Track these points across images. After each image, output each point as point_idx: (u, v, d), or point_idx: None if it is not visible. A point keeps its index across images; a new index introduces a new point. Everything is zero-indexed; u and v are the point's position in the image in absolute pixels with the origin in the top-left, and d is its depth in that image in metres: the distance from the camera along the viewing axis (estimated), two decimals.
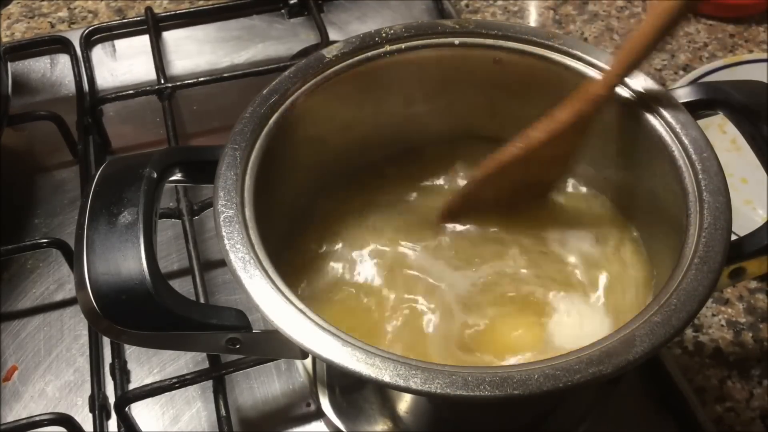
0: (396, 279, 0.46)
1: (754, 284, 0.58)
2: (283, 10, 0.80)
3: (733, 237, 0.37)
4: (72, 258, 0.49)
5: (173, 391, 0.50)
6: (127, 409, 0.49)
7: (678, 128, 0.41)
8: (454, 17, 0.77)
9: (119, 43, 0.77)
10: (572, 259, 0.47)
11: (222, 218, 0.38)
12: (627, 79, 0.44)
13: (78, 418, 0.48)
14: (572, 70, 0.45)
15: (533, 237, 0.48)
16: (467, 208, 0.48)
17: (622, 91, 0.44)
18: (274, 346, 0.38)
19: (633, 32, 0.41)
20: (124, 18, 0.80)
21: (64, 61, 0.75)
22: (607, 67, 0.43)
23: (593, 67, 0.45)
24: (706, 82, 0.63)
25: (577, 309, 0.45)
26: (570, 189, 0.50)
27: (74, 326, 0.56)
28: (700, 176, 0.39)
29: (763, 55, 0.70)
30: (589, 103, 0.43)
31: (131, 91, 0.69)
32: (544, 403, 0.43)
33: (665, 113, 0.42)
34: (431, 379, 0.32)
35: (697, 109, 0.43)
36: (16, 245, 0.56)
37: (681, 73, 0.73)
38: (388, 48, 0.46)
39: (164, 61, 0.73)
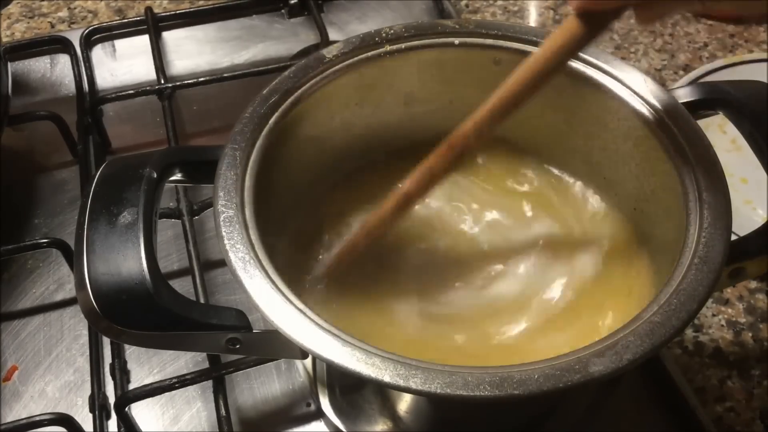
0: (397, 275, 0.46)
1: (754, 284, 0.58)
2: (283, 10, 0.80)
3: (733, 237, 0.37)
4: (72, 258, 0.49)
5: (173, 391, 0.50)
6: (127, 409, 0.49)
7: (678, 128, 0.41)
8: (454, 17, 0.77)
9: (119, 43, 0.77)
10: (569, 257, 0.47)
11: (222, 218, 0.38)
12: (626, 80, 0.44)
13: (78, 418, 0.48)
14: (572, 69, 0.45)
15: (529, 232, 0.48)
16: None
17: (622, 92, 0.44)
18: (274, 346, 0.38)
19: (512, 74, 0.39)
20: (124, 18, 0.80)
21: (64, 61, 0.75)
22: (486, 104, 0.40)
23: (593, 66, 0.45)
24: (706, 82, 0.63)
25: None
26: (569, 189, 0.50)
27: (74, 326, 0.56)
28: (700, 176, 0.39)
29: (763, 55, 0.70)
30: (460, 144, 0.41)
31: (131, 91, 0.69)
32: (544, 403, 0.43)
33: (665, 113, 0.42)
34: (431, 379, 0.32)
35: (697, 109, 0.43)
36: (16, 245, 0.56)
37: (681, 73, 0.73)
38: (388, 48, 0.46)
39: (164, 61, 0.73)
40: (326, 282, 0.45)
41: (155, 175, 0.39)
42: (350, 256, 0.45)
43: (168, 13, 0.78)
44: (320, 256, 0.47)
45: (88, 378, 0.52)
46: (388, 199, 0.43)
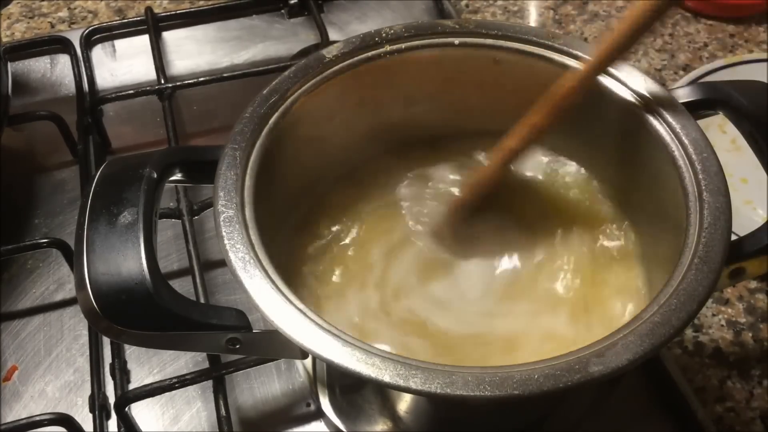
0: (399, 274, 0.46)
1: (754, 284, 0.58)
2: (283, 10, 0.80)
3: (733, 237, 0.37)
4: (72, 258, 0.49)
5: (173, 391, 0.50)
6: (127, 409, 0.49)
7: (678, 128, 0.41)
8: (454, 17, 0.77)
9: (119, 43, 0.77)
10: (568, 257, 0.47)
11: (222, 218, 0.38)
12: (627, 80, 0.44)
13: (78, 418, 0.48)
14: (572, 70, 0.45)
15: (528, 234, 0.48)
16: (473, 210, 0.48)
17: (622, 92, 0.44)
18: (274, 346, 0.38)
19: (613, 27, 0.41)
20: (124, 18, 0.80)
21: (64, 61, 0.75)
22: (588, 58, 0.43)
23: None
24: (706, 82, 0.63)
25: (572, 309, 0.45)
26: (569, 189, 0.50)
27: (74, 326, 0.56)
28: (700, 176, 0.39)
29: (763, 55, 0.70)
30: (564, 98, 0.43)
31: (131, 91, 0.69)
32: (545, 402, 0.43)
33: (665, 113, 0.42)
34: (431, 379, 0.32)
35: (697, 109, 0.43)
36: (16, 245, 0.56)
37: (681, 73, 0.73)
38: (388, 48, 0.46)
39: (164, 61, 0.73)
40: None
41: (155, 175, 0.39)
42: (461, 213, 0.47)
43: (168, 13, 0.78)
44: (317, 261, 0.47)
45: (88, 378, 0.52)
46: (494, 155, 0.45)
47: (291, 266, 0.46)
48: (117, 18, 0.81)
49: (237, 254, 0.36)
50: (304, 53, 0.72)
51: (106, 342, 0.54)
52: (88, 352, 0.54)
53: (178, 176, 0.42)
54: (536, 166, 0.51)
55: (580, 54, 0.45)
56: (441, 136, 0.52)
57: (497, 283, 0.46)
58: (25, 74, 0.74)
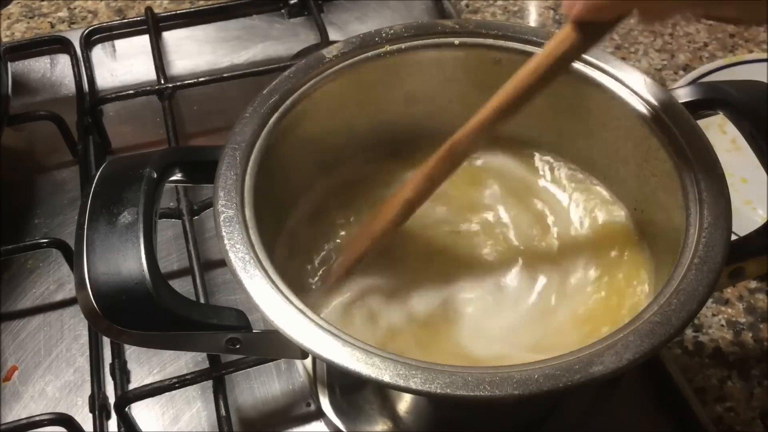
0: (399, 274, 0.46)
1: (754, 284, 0.58)
2: (283, 10, 0.80)
3: (733, 237, 0.37)
4: (72, 258, 0.49)
5: (173, 391, 0.50)
6: (127, 409, 0.49)
7: (678, 128, 0.41)
8: (454, 17, 0.77)
9: (119, 43, 0.77)
10: (568, 257, 0.47)
11: (222, 218, 0.38)
12: (626, 80, 0.44)
13: (78, 418, 0.48)
14: (572, 69, 0.45)
15: (529, 240, 0.48)
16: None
17: (622, 92, 0.44)
18: (274, 346, 0.38)
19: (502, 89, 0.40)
20: (124, 18, 0.80)
21: (64, 61, 0.75)
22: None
23: (593, 67, 0.45)
24: (706, 82, 0.63)
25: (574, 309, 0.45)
26: (569, 189, 0.50)
27: (74, 326, 0.56)
28: (700, 176, 0.39)
29: (763, 55, 0.70)
30: (456, 159, 0.42)
31: (131, 91, 0.69)
32: (544, 403, 0.43)
33: (665, 113, 0.42)
34: (431, 379, 0.32)
35: (697, 109, 0.43)
36: (16, 245, 0.56)
37: (681, 73, 0.73)
38: (388, 48, 0.47)
39: (164, 61, 0.73)
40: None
41: (155, 175, 0.39)
42: (357, 264, 0.45)
43: (168, 13, 0.78)
44: (317, 263, 0.47)
45: (88, 378, 0.52)
46: (389, 206, 0.44)
47: (291, 266, 0.46)
48: (117, 18, 0.81)
49: (237, 254, 0.37)
50: (304, 53, 0.72)
51: (106, 342, 0.54)
52: (88, 352, 0.54)
53: (178, 176, 0.42)
54: (534, 168, 0.51)
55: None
56: (441, 137, 0.52)
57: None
58: (25, 74, 0.74)
